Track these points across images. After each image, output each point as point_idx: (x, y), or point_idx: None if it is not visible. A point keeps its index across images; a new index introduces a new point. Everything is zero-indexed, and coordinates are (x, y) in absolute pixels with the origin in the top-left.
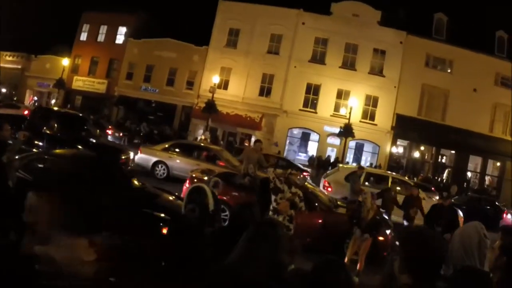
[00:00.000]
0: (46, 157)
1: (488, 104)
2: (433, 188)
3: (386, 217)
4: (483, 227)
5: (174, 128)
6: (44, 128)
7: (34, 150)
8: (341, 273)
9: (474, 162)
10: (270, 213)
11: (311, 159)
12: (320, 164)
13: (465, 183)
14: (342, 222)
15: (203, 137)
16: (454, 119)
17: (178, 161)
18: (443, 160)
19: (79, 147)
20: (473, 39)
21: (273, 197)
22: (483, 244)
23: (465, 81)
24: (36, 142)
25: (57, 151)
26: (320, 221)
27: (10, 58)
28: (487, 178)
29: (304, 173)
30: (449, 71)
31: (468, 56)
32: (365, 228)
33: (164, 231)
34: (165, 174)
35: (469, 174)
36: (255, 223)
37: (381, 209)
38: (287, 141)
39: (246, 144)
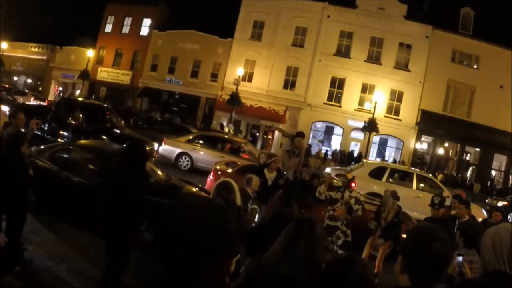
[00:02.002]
0: (71, 147)
1: None
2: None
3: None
4: None
5: (198, 120)
6: (69, 118)
7: (59, 140)
8: (356, 270)
9: (499, 160)
10: (327, 220)
11: (334, 153)
12: (343, 158)
13: (488, 182)
14: (366, 218)
15: (226, 129)
16: (479, 116)
17: (202, 153)
18: (467, 158)
19: (104, 137)
20: (500, 34)
21: (328, 207)
22: None
23: (491, 77)
24: (61, 132)
25: (82, 141)
26: None
27: (36, 49)
28: (511, 177)
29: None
30: (475, 67)
31: (495, 52)
32: (381, 232)
33: None
34: (189, 166)
35: (493, 172)
36: (294, 221)
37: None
38: (311, 135)
39: (270, 137)
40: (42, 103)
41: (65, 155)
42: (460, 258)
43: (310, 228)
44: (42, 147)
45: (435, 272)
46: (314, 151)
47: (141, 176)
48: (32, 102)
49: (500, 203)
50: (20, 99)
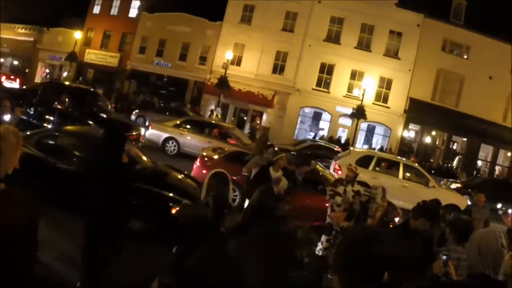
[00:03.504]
0: (56, 134)
1: (504, 93)
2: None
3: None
4: (502, 236)
5: (186, 103)
6: (55, 103)
7: (45, 125)
8: None
9: (486, 150)
10: (328, 218)
11: (321, 139)
12: None
13: (474, 172)
14: None
15: (214, 114)
16: (468, 106)
17: (189, 137)
18: (455, 147)
19: (90, 122)
20: (491, 25)
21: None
22: (500, 254)
23: (481, 68)
24: (47, 117)
25: (68, 127)
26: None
27: (22, 31)
28: (497, 168)
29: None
30: (465, 57)
31: (485, 42)
32: None
33: (173, 211)
34: (175, 151)
35: (479, 162)
36: (270, 221)
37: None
38: (299, 120)
39: (258, 121)
40: (13, 82)
41: (51, 141)
42: (445, 258)
43: (286, 227)
44: (28, 133)
45: (370, 276)
46: (301, 136)
47: (120, 158)
48: (4, 81)
49: (453, 185)
50: None
